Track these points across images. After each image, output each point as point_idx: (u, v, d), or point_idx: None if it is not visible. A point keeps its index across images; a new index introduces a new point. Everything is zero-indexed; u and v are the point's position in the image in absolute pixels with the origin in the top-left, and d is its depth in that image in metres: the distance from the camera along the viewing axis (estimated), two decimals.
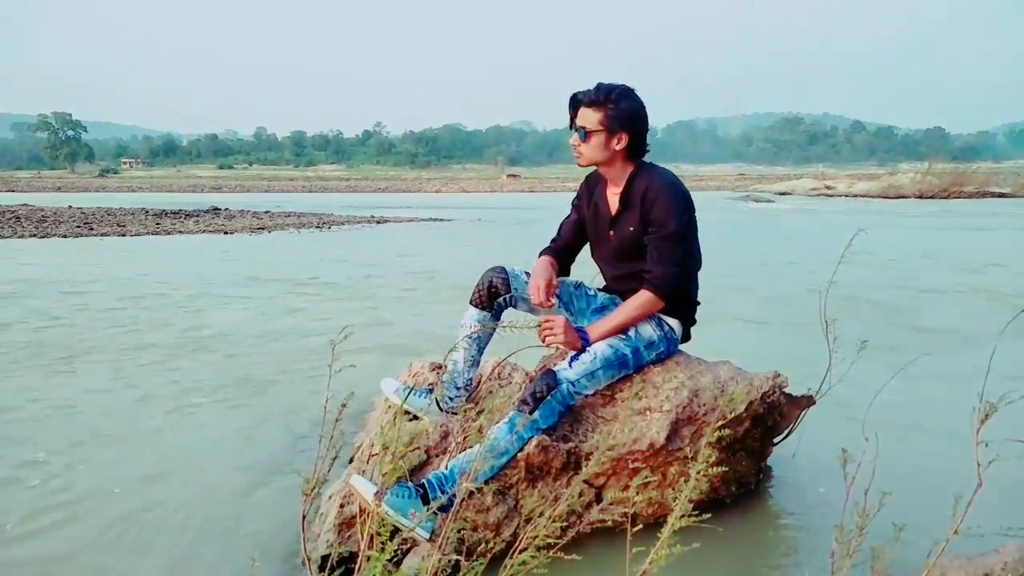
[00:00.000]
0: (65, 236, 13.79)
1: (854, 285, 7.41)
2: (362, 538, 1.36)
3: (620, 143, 2.40)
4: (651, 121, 2.49)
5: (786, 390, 2.64)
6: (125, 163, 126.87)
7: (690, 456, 2.40)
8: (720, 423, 1.38)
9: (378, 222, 18.24)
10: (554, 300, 2.49)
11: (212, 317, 6.16)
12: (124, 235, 14.29)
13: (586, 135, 2.40)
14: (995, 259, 10.15)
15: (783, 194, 34.45)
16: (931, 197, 28.32)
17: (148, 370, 4.44)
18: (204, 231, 15.10)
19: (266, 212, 20.97)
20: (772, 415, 2.58)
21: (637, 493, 1.57)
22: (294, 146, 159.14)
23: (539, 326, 2.34)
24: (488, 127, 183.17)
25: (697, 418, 2.41)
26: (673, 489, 2.36)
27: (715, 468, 1.20)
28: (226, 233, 14.70)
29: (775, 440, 2.81)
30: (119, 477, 2.90)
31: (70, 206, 22.29)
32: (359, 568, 1.23)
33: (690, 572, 2.11)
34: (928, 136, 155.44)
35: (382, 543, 1.16)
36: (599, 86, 2.39)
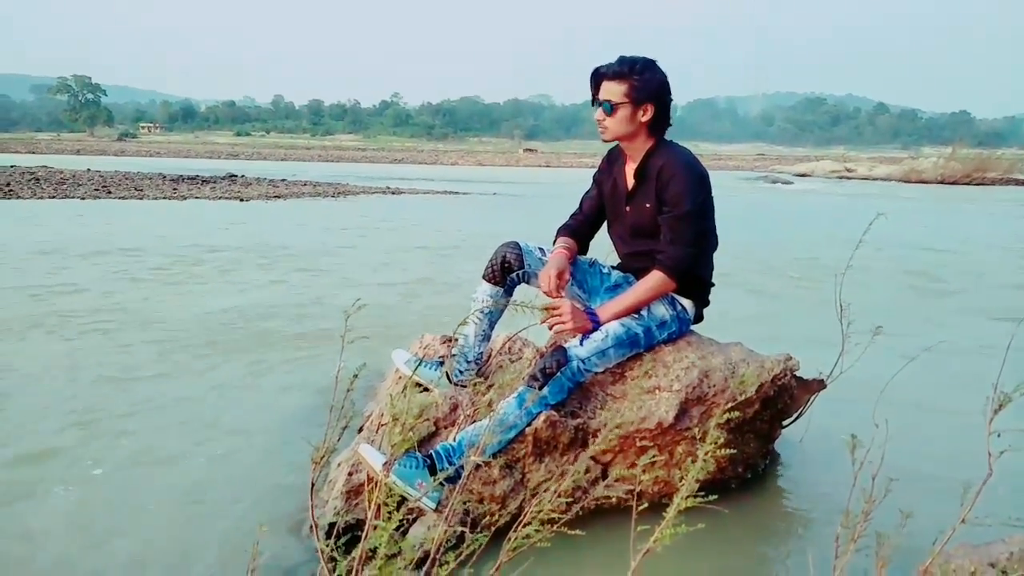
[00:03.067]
0: (83, 198, 13.88)
1: (871, 269, 7.34)
2: (369, 507, 1.37)
3: (646, 115, 2.38)
4: (672, 97, 2.45)
5: (797, 373, 2.63)
6: (143, 128, 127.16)
7: (698, 436, 2.40)
8: (730, 405, 1.38)
9: (393, 193, 18.23)
10: (564, 293, 2.45)
11: (229, 289, 6.20)
12: (142, 199, 14.36)
13: (612, 108, 2.37)
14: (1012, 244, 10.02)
15: (802, 175, 34.05)
16: (953, 183, 27.87)
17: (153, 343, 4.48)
18: (220, 197, 15.14)
19: (282, 180, 21.00)
20: (782, 398, 2.57)
21: (644, 472, 1.55)
22: (311, 115, 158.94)
23: (544, 310, 2.33)
24: (506, 100, 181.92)
25: (707, 399, 2.40)
26: (680, 469, 2.36)
27: (723, 450, 1.20)
28: (241, 200, 14.74)
29: (784, 423, 2.81)
30: (128, 440, 2.94)
31: (88, 169, 22.41)
32: (366, 536, 1.24)
33: (694, 552, 2.13)
34: (953, 120, 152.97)
35: (388, 512, 1.18)
36: (622, 58, 2.36)
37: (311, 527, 1.31)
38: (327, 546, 1.27)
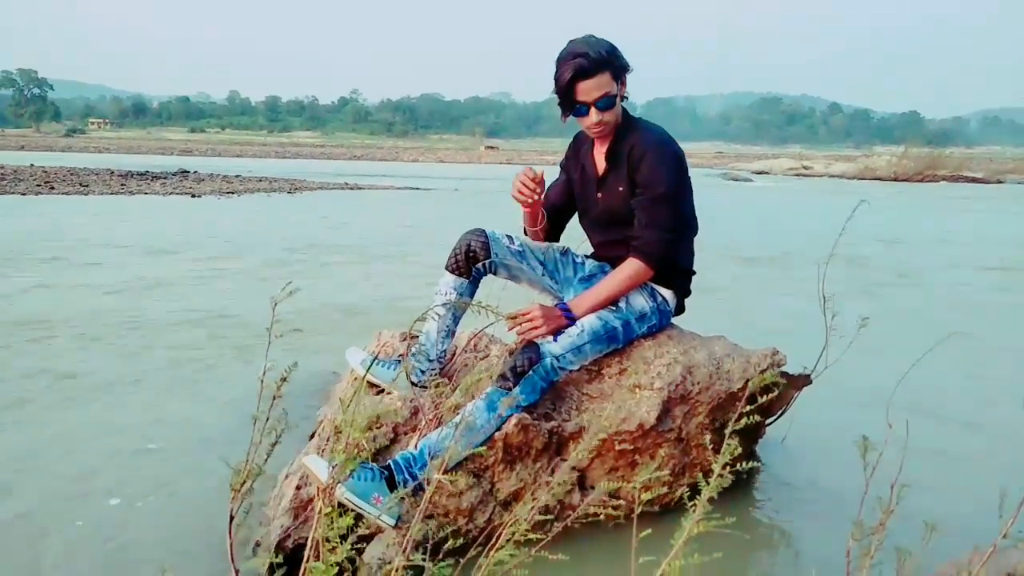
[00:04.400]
0: (24, 194, 13.24)
1: (855, 260, 7.30)
2: (315, 530, 1.15)
3: (623, 88, 2.19)
4: (630, 98, 2.27)
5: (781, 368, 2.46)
6: (93, 123, 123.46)
7: (684, 439, 2.22)
8: (748, 408, 1.18)
9: (352, 189, 17.82)
10: (540, 189, 2.28)
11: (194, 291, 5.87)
12: (87, 195, 13.75)
13: (612, 100, 2.14)
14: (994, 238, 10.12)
15: (761, 173, 34.45)
16: (906, 180, 28.46)
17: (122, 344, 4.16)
18: (171, 193, 14.59)
19: (236, 176, 20.39)
20: (768, 394, 2.39)
21: (626, 481, 1.38)
22: (268, 111, 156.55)
23: (512, 319, 2.10)
24: (467, 98, 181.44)
25: (691, 397, 2.21)
26: (661, 470, 2.17)
27: (745, 463, 1.01)
28: (193, 196, 14.22)
29: (768, 421, 2.65)
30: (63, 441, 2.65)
31: (32, 165, 21.51)
32: (305, 568, 1.01)
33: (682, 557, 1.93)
34: (903, 120, 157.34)
35: (332, 546, 0.95)
36: (587, 45, 2.09)
37: (233, 570, 1.08)
38: None
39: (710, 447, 2.11)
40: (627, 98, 2.24)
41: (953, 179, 28.83)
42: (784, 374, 2.49)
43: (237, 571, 1.07)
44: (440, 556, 1.19)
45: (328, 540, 0.97)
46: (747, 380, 2.26)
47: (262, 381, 1.06)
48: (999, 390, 3.68)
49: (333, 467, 1.09)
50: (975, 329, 4.78)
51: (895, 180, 28.55)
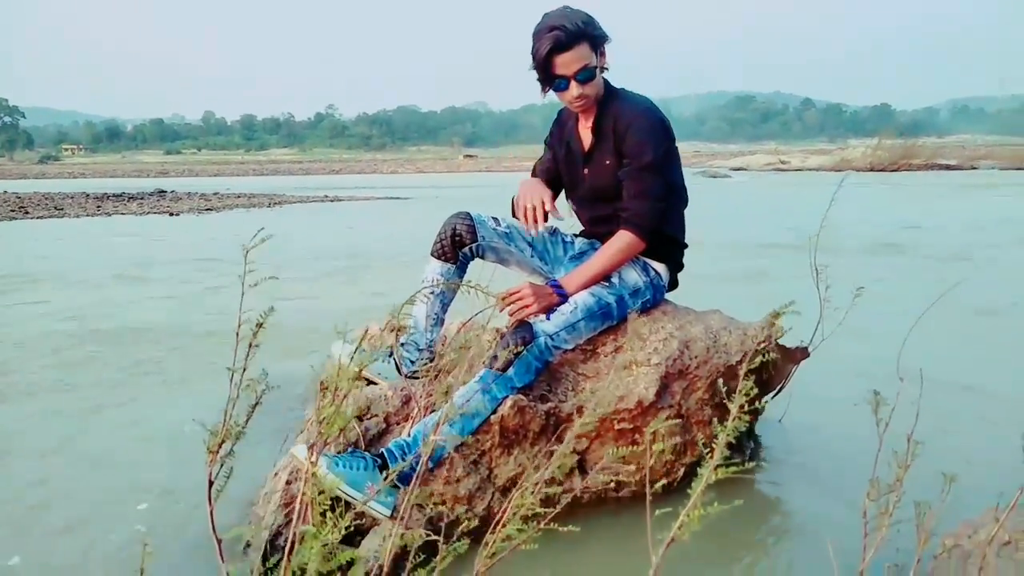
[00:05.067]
0: None
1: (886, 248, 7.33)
2: (302, 493, 1.07)
3: (604, 59, 2.14)
4: (610, 69, 2.23)
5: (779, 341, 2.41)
6: (67, 150, 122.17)
7: (684, 413, 2.16)
8: (763, 346, 1.13)
9: (332, 201, 17.70)
10: (543, 227, 2.18)
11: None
12: (62, 218, 13.53)
13: (593, 72, 2.09)
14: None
15: (738, 169, 34.65)
16: (882, 170, 28.72)
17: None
18: (149, 213, 14.40)
19: (214, 194, 20.18)
20: (767, 368, 2.35)
21: (627, 463, 1.31)
22: (244, 130, 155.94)
23: (502, 300, 2.04)
24: (443, 108, 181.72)
25: (689, 372, 2.16)
26: (664, 453, 2.11)
27: (758, 403, 0.95)
28: (172, 215, 14.04)
29: (765, 399, 2.59)
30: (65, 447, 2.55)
31: (5, 191, 21.19)
32: (290, 549, 0.93)
33: (697, 549, 1.87)
34: (875, 113, 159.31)
35: (323, 512, 0.88)
36: (565, 18, 2.03)
37: (216, 543, 1.00)
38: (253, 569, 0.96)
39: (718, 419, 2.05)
40: (607, 69, 2.19)
41: (928, 167, 29.18)
42: (781, 347, 2.44)
43: (220, 540, 0.99)
44: (454, 538, 1.13)
45: (318, 501, 0.90)
46: (745, 353, 2.21)
47: (237, 334, 0.98)
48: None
49: (321, 420, 1.01)
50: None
51: (871, 171, 28.81)
